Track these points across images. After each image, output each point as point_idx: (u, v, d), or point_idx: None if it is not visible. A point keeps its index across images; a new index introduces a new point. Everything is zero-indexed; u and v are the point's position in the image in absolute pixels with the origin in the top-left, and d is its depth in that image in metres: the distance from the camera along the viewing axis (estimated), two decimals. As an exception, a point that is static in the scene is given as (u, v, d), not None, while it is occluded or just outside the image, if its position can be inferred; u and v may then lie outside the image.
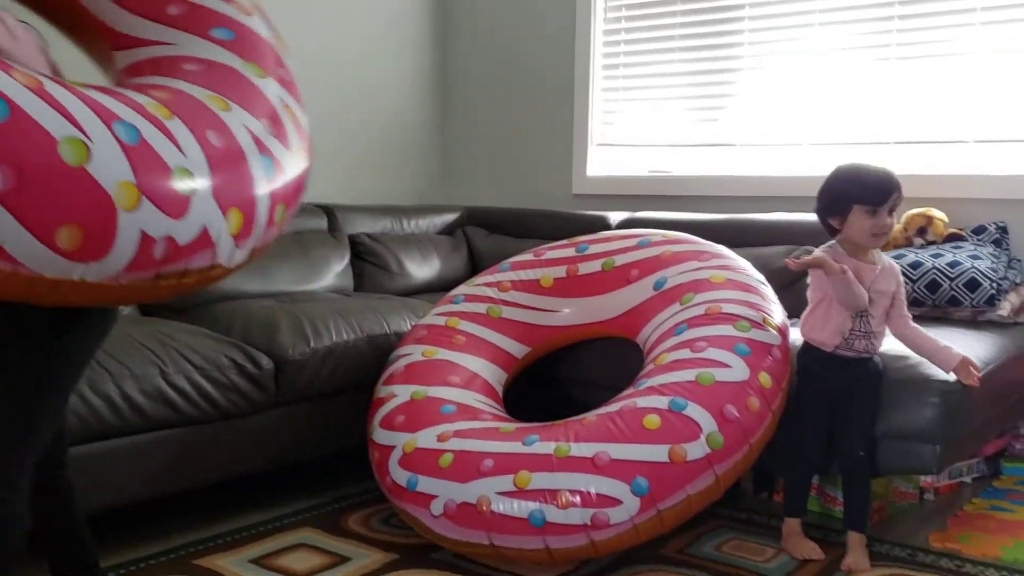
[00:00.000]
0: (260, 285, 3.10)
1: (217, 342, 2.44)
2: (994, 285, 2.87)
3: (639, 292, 2.67)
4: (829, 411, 2.30)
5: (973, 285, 2.87)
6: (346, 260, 3.48)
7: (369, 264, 3.56)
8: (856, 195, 2.22)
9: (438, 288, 3.56)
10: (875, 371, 2.29)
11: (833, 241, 2.31)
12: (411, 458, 2.24)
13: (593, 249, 2.85)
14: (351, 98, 4.08)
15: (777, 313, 2.45)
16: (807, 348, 2.34)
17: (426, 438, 2.26)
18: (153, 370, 2.23)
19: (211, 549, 2.30)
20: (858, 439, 2.28)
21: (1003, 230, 3.12)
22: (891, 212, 2.24)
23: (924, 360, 2.31)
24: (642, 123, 4.07)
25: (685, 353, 2.29)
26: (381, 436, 2.36)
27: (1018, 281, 3.07)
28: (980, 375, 2.27)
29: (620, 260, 2.77)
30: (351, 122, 4.10)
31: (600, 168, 4.17)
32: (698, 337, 2.32)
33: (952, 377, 2.27)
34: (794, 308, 2.52)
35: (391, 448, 2.30)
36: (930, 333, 2.33)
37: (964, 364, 2.24)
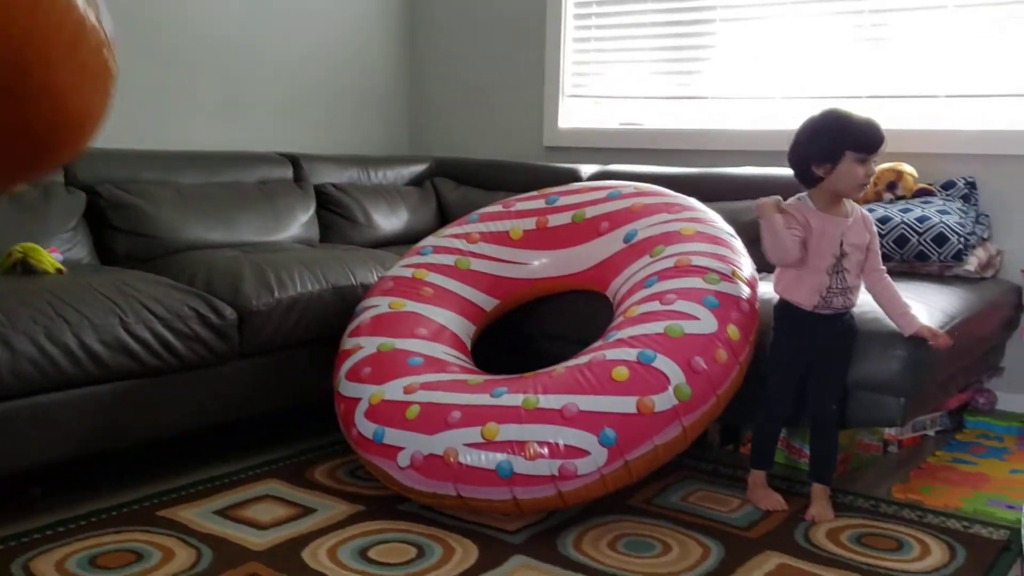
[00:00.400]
0: (224, 235, 3.05)
1: (179, 292, 2.39)
2: (962, 240, 2.88)
3: (609, 244, 2.65)
4: (803, 367, 2.29)
5: (941, 240, 2.88)
6: (312, 211, 3.43)
7: (335, 215, 3.51)
8: (851, 142, 2.15)
9: (406, 240, 3.51)
10: (850, 325, 2.29)
11: (803, 194, 2.27)
12: (377, 410, 2.22)
13: (563, 201, 2.82)
14: (318, 45, 4.00)
15: (746, 266, 2.44)
16: (783, 305, 2.31)
17: (393, 390, 2.23)
18: (113, 320, 2.18)
19: (175, 500, 2.27)
20: (831, 393, 2.28)
21: (972, 185, 3.13)
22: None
23: (892, 313, 2.31)
24: (614, 75, 4.02)
25: (654, 305, 2.28)
26: (347, 388, 2.33)
27: (985, 236, 3.09)
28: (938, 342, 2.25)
29: (590, 212, 2.74)
30: (318, 70, 4.02)
31: (571, 120, 4.13)
32: (667, 289, 2.31)
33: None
34: (764, 262, 2.51)
35: (357, 400, 2.28)
36: (899, 288, 2.31)
37: (921, 333, 2.23)
